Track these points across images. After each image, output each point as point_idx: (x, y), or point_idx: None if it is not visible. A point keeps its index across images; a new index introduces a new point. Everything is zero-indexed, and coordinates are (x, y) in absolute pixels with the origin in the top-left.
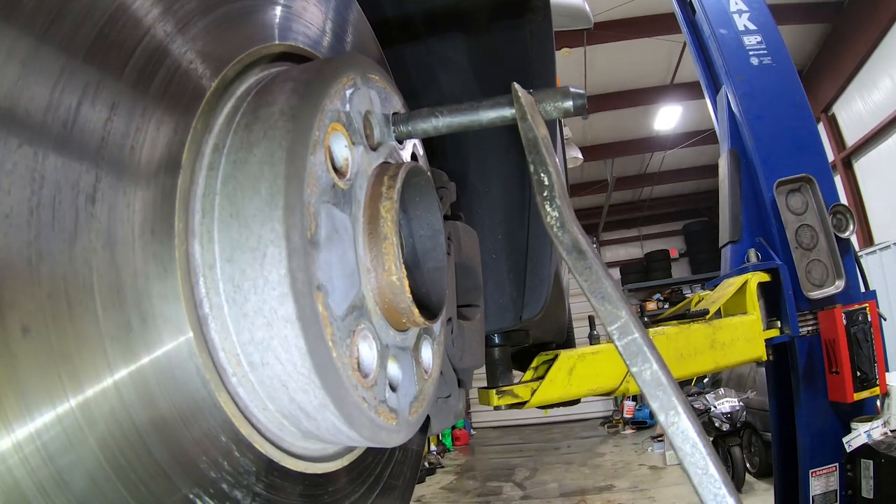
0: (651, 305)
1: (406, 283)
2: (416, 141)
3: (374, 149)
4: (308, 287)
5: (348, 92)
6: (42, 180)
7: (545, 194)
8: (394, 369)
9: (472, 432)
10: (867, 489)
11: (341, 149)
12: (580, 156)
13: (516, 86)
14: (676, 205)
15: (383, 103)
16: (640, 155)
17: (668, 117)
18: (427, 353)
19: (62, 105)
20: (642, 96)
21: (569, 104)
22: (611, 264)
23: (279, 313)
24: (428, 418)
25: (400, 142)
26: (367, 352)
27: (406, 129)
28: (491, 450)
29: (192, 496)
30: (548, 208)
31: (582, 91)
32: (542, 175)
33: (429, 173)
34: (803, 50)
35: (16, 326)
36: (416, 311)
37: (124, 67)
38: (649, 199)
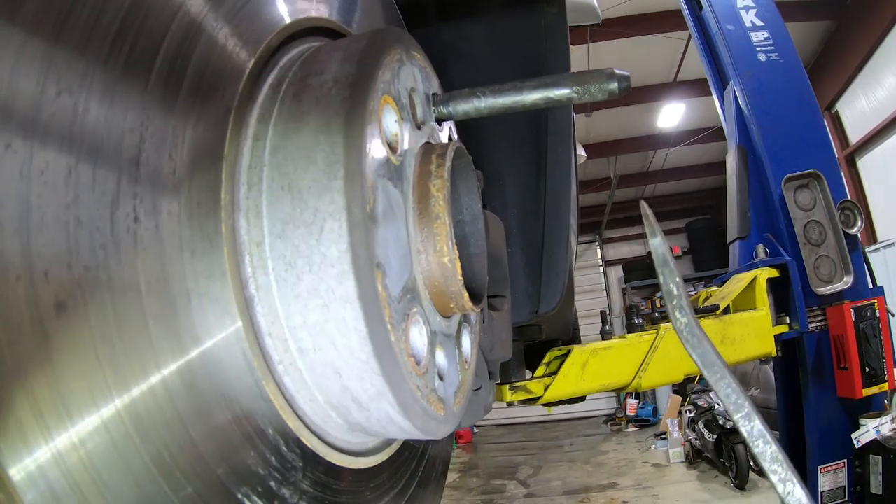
0: (657, 304)
1: (458, 264)
2: (451, 125)
3: (419, 127)
4: (369, 264)
5: (396, 66)
6: (82, 136)
7: (675, 303)
8: (441, 357)
9: (475, 430)
10: (876, 485)
11: (392, 123)
12: (584, 153)
13: (644, 204)
14: (679, 203)
15: (425, 82)
16: (644, 152)
17: (671, 115)
18: (467, 342)
19: (102, 64)
20: (645, 94)
21: (614, 86)
22: (613, 262)
23: (338, 293)
24: None
25: (439, 123)
26: (419, 339)
27: (447, 109)
28: (494, 448)
29: (240, 496)
30: (678, 315)
31: (627, 73)
32: (671, 286)
33: (469, 155)
34: (807, 47)
35: (49, 302)
36: (466, 294)
37: (165, 34)
38: (652, 196)
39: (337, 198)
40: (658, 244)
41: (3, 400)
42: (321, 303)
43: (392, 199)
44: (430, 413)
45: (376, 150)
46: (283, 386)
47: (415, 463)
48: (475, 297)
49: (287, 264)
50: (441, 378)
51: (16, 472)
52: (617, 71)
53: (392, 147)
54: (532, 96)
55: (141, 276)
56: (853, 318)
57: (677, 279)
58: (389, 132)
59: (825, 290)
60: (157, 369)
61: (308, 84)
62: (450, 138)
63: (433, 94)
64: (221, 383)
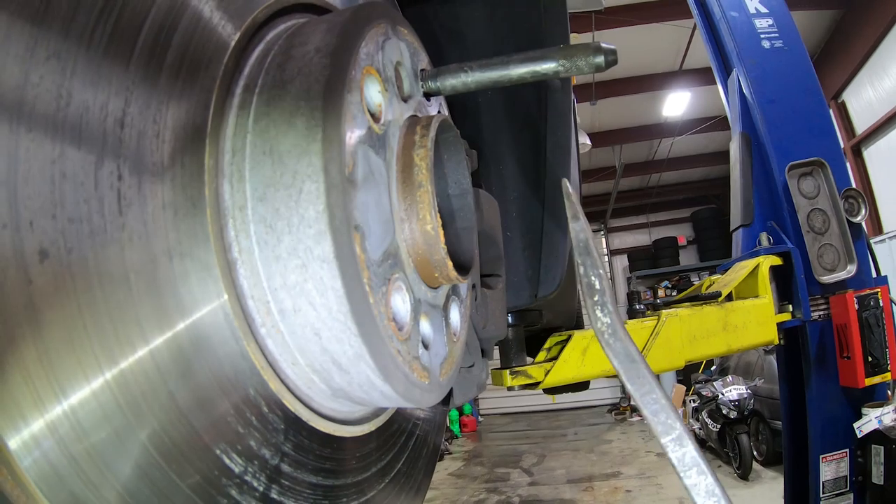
0: (659, 292)
1: (441, 232)
2: (442, 101)
3: (405, 100)
4: (346, 225)
5: (381, 39)
6: (69, 97)
7: (596, 299)
8: (426, 326)
9: (480, 419)
10: (877, 475)
11: (375, 94)
12: (589, 142)
13: (566, 182)
14: (685, 192)
15: (412, 57)
16: (649, 141)
17: (676, 103)
18: (455, 315)
19: (96, 31)
20: (651, 82)
21: (600, 59)
22: (618, 251)
23: (315, 253)
24: (450, 390)
25: (428, 98)
26: (401, 305)
27: (434, 84)
28: (498, 436)
29: (218, 452)
30: (599, 314)
31: (613, 47)
32: (592, 278)
33: (456, 129)
34: (813, 37)
35: (33, 250)
36: (449, 263)
37: (151, 6)
38: (657, 185)
39: (315, 160)
40: (579, 229)
41: None
42: (300, 263)
43: (373, 166)
44: (411, 379)
45: (357, 117)
46: (265, 348)
47: (404, 438)
48: (462, 269)
49: (268, 226)
50: (426, 347)
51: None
52: (603, 45)
53: (375, 116)
54: (519, 70)
55: (123, 231)
56: (856, 306)
57: (600, 271)
58: (372, 102)
59: (828, 278)
60: (137, 325)
61: (292, 55)
62: (439, 113)
63: (421, 70)
64: (202, 343)
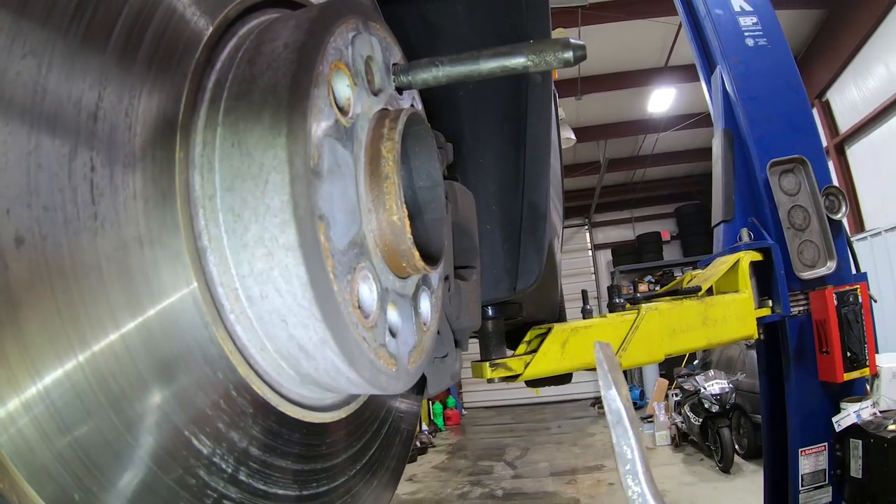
0: (642, 287)
1: (407, 223)
2: (416, 96)
3: (375, 94)
4: (310, 215)
5: (351, 34)
6: (45, 92)
7: (628, 468)
8: (393, 315)
9: (464, 412)
10: (856, 469)
11: (343, 88)
12: (573, 136)
13: (597, 347)
14: (669, 187)
15: (384, 52)
16: (634, 137)
17: (661, 100)
18: (426, 305)
19: (72, 27)
20: (636, 78)
21: (569, 55)
22: (602, 246)
23: (280, 241)
24: (424, 379)
25: (400, 92)
26: (368, 293)
27: (406, 78)
28: (482, 430)
29: (187, 433)
30: (630, 482)
31: (582, 42)
32: (624, 448)
33: (427, 122)
34: (799, 36)
35: (9, 236)
36: (416, 252)
37: (125, 2)
38: (642, 181)
39: (280, 153)
40: (611, 399)
41: None
42: (266, 251)
43: (340, 158)
44: (378, 366)
45: (324, 110)
46: (234, 334)
47: (377, 425)
48: (430, 260)
49: (236, 216)
50: (394, 335)
51: None
52: (573, 40)
53: (343, 110)
54: (489, 65)
55: (96, 219)
56: (836, 302)
57: (632, 441)
58: (341, 96)
59: (808, 274)
60: (109, 310)
61: (262, 51)
62: (411, 107)
63: (393, 64)
64: (171, 328)
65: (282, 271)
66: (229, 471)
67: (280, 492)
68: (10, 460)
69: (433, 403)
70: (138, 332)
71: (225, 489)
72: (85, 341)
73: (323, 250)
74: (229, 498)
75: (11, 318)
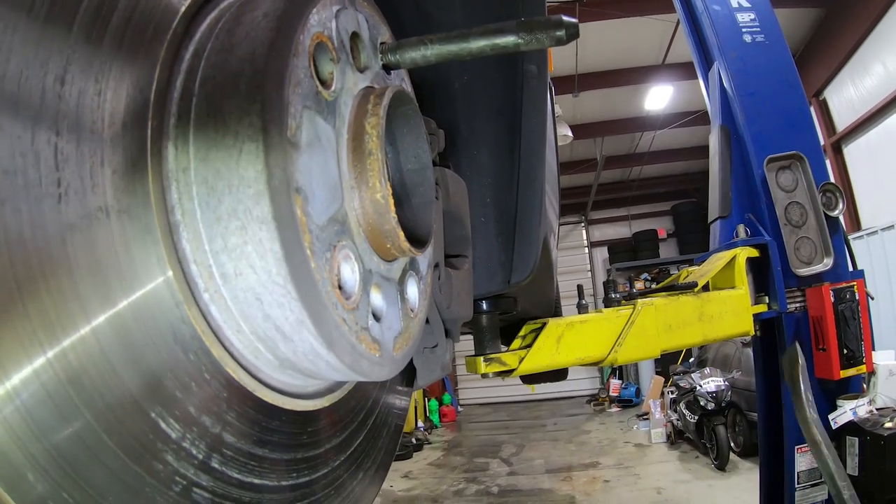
0: (639, 285)
1: (391, 201)
2: (405, 77)
3: (360, 71)
4: (286, 187)
5: (335, 7)
6: (9, 53)
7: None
8: (377, 299)
9: (459, 409)
10: (852, 466)
11: (326, 62)
12: (570, 133)
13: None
14: (665, 185)
15: (371, 29)
16: (630, 134)
17: (658, 97)
18: (413, 291)
19: None
20: (634, 75)
21: (561, 32)
22: (598, 243)
23: (254, 213)
24: (414, 371)
25: (387, 71)
26: (350, 274)
27: (394, 57)
28: (478, 426)
29: (153, 415)
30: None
31: (575, 20)
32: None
33: (416, 102)
34: (796, 34)
35: None
36: (401, 233)
37: None
38: (638, 179)
39: (255, 121)
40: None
41: None
42: (239, 224)
43: (320, 131)
44: (359, 350)
45: (303, 82)
46: (209, 315)
47: (363, 416)
48: (417, 243)
49: (209, 187)
50: (377, 319)
51: None
52: (565, 18)
53: (325, 84)
54: (478, 43)
55: (60, 184)
56: (832, 299)
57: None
58: (323, 69)
59: (805, 271)
60: (73, 285)
61: (241, 21)
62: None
63: (381, 43)
64: (141, 304)
65: (256, 246)
66: (200, 457)
67: (256, 481)
68: None
69: (429, 400)
70: (103, 312)
71: (195, 476)
72: (46, 317)
73: (299, 224)
74: (200, 486)
75: None
